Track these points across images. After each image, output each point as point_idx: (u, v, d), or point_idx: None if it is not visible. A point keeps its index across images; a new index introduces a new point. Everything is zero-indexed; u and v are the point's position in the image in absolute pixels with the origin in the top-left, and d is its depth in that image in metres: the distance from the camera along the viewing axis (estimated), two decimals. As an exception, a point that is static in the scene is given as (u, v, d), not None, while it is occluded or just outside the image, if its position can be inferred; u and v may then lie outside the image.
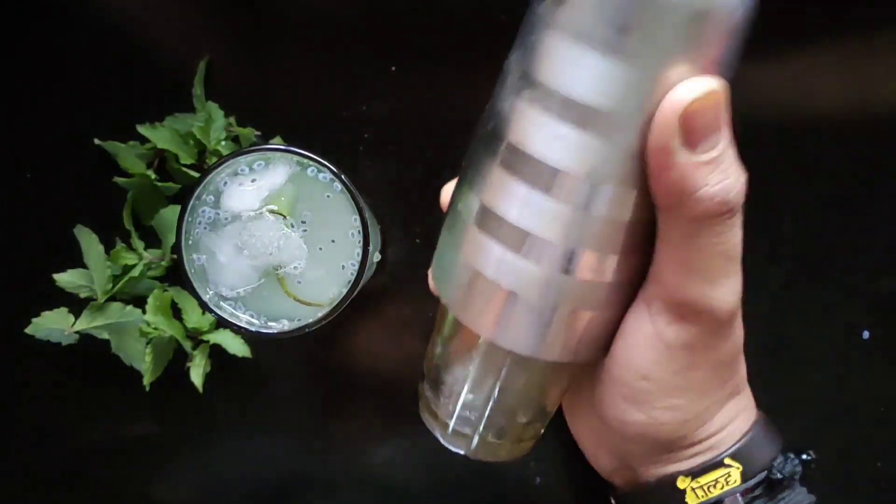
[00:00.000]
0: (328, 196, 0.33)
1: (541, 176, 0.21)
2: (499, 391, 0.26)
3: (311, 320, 0.32)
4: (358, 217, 0.32)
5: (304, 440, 0.40)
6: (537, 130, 0.21)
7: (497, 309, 0.23)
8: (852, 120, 0.39)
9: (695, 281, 0.22)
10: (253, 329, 0.32)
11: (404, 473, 0.40)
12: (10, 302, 0.39)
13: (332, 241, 0.33)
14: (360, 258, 0.32)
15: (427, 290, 0.42)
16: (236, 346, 0.38)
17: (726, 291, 0.23)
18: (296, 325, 0.32)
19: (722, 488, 0.25)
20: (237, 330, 0.32)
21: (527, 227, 0.22)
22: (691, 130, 0.20)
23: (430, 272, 0.27)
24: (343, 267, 0.33)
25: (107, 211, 0.39)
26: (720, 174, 0.21)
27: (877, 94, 0.39)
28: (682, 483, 0.26)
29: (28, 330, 0.38)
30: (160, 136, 0.38)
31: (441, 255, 0.26)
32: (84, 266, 0.38)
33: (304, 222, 0.33)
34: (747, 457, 0.26)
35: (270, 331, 0.33)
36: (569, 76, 0.20)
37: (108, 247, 0.38)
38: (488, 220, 0.22)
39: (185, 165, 0.38)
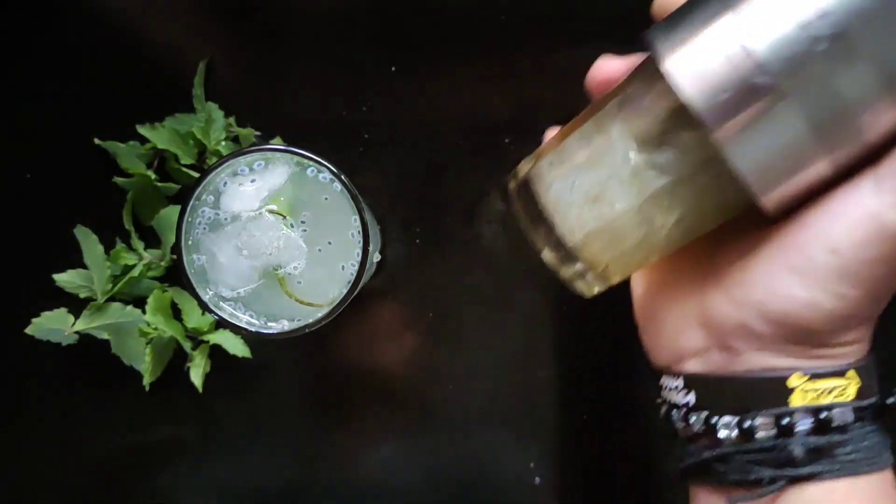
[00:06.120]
0: (328, 196, 0.32)
1: None
2: (646, 199, 0.24)
3: (311, 320, 0.32)
4: (358, 217, 0.32)
5: (303, 440, 0.40)
6: None
7: (740, 95, 0.21)
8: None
9: None
10: (253, 329, 0.32)
11: (404, 473, 0.40)
12: (10, 302, 0.39)
13: (332, 242, 0.33)
14: (359, 258, 0.32)
15: (427, 291, 0.42)
16: (236, 347, 0.38)
17: None
18: (296, 325, 0.32)
19: (836, 398, 0.24)
20: (237, 330, 0.32)
21: (829, 16, 0.20)
22: None
23: (652, 41, 0.23)
24: (343, 267, 0.33)
25: (107, 211, 0.39)
26: None
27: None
28: (794, 381, 0.24)
29: (28, 330, 0.38)
30: (160, 136, 0.38)
31: (682, 28, 0.22)
32: (84, 266, 0.38)
33: (303, 222, 0.33)
34: (867, 376, 0.25)
35: (270, 331, 0.33)
36: None
37: (108, 247, 0.38)
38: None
39: (185, 165, 0.38)
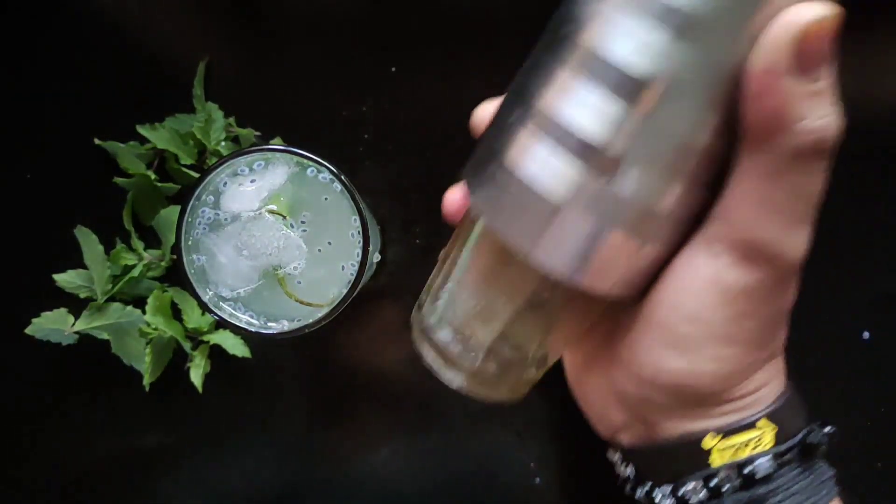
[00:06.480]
0: (328, 196, 0.32)
1: (618, 84, 0.20)
2: (513, 317, 0.24)
3: (310, 320, 0.32)
4: (358, 217, 0.32)
5: (303, 440, 0.40)
6: (623, 35, 0.20)
7: (537, 220, 0.21)
8: (851, 119, 0.39)
9: (771, 221, 0.21)
10: (253, 329, 0.32)
11: (404, 473, 0.40)
12: (10, 302, 0.39)
13: (332, 242, 0.33)
14: (359, 259, 0.32)
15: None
16: (236, 347, 0.38)
17: (800, 239, 0.22)
18: (295, 325, 0.32)
19: (753, 449, 0.24)
20: (237, 330, 0.32)
21: (589, 137, 0.20)
22: (804, 55, 0.18)
23: (463, 179, 0.25)
24: (343, 267, 0.33)
25: (107, 211, 0.39)
26: (822, 109, 0.19)
27: (877, 94, 0.39)
28: (709, 442, 0.24)
29: (28, 330, 0.38)
30: (160, 136, 0.38)
31: (480, 161, 0.24)
32: (84, 266, 0.38)
33: (303, 223, 0.33)
34: (783, 419, 0.24)
35: (270, 331, 0.33)
36: None
37: (108, 247, 0.38)
38: (546, 126, 0.21)
39: (185, 165, 0.38)
